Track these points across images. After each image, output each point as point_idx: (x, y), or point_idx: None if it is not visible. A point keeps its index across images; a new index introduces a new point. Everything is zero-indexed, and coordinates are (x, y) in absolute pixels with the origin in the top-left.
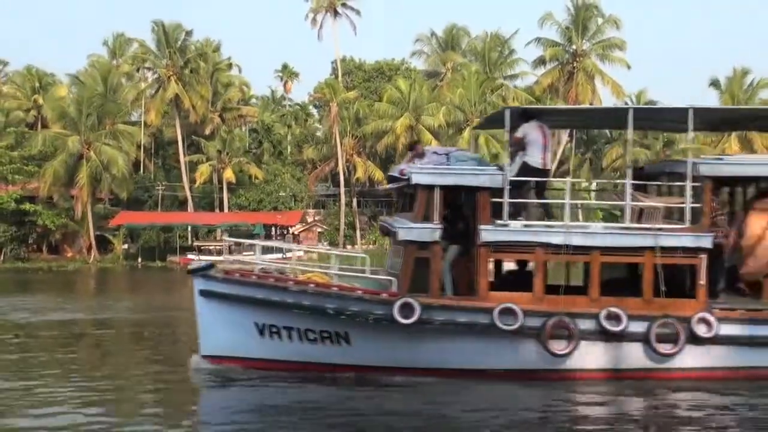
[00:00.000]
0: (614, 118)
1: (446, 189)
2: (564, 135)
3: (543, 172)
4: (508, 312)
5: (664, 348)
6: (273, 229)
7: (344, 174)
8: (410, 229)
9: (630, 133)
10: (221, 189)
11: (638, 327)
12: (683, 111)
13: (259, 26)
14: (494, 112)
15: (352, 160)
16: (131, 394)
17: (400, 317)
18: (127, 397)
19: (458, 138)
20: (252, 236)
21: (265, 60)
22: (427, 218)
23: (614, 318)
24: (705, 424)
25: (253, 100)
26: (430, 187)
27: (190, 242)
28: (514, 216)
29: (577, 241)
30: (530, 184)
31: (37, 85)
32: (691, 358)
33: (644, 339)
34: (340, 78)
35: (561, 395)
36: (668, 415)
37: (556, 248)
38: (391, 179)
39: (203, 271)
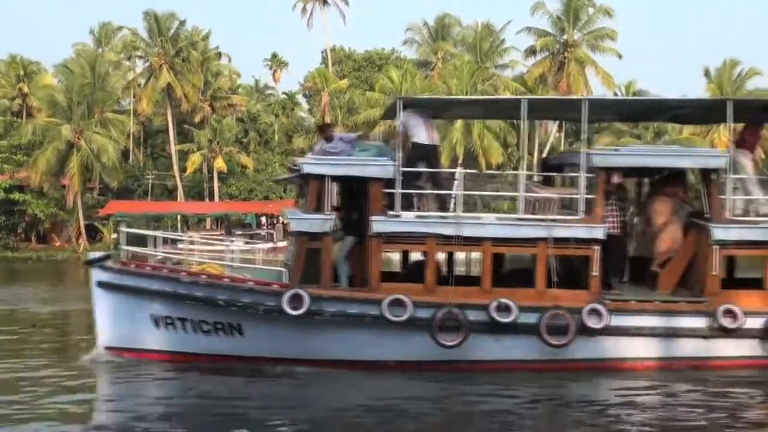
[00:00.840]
0: (509, 108)
1: (338, 179)
2: (553, 126)
3: (431, 147)
4: (397, 303)
5: (555, 339)
6: (264, 218)
7: None
8: (301, 220)
9: (524, 123)
10: (211, 178)
11: (529, 318)
12: (577, 102)
13: (247, 15)
14: (389, 104)
15: None
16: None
17: (289, 308)
18: (21, 386)
19: (451, 128)
20: (243, 225)
21: (253, 49)
22: (318, 209)
23: (504, 309)
24: (597, 415)
25: (240, 90)
26: (321, 178)
27: (180, 231)
28: (409, 206)
29: (468, 232)
30: (423, 164)
31: (21, 73)
32: (582, 349)
33: (535, 330)
34: (330, 67)
35: (448, 387)
36: (558, 408)
37: (448, 239)
38: (290, 169)
39: (100, 263)
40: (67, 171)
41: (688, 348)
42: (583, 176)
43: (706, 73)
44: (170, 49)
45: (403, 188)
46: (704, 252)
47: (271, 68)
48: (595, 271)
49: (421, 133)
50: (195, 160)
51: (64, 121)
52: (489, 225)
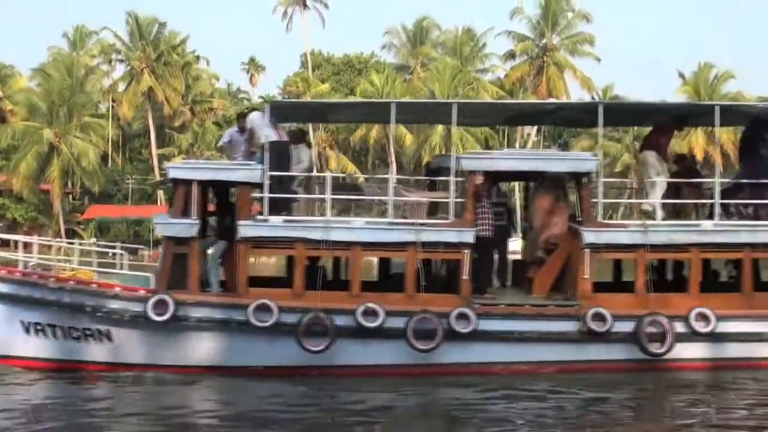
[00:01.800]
0: (383, 111)
1: (205, 184)
2: (531, 129)
3: (282, 143)
4: (263, 308)
5: (422, 344)
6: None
7: (317, 167)
8: (167, 225)
9: (392, 127)
10: None
11: (396, 323)
12: (446, 106)
13: (223, 19)
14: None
15: (325, 153)
16: None
17: (154, 314)
18: None
19: (432, 132)
20: None
21: (229, 53)
22: (185, 213)
23: (371, 314)
24: (460, 421)
25: (215, 94)
26: (188, 182)
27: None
28: (279, 210)
29: (337, 236)
30: (283, 162)
31: None
32: (451, 354)
33: (402, 335)
34: (310, 71)
35: (312, 393)
36: (430, 411)
37: (316, 243)
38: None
39: None
40: (47, 175)
41: (557, 352)
42: (452, 180)
43: (681, 77)
44: (151, 52)
45: (276, 192)
46: (576, 256)
47: (248, 72)
48: (465, 274)
49: (269, 133)
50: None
51: (44, 125)
52: (358, 229)
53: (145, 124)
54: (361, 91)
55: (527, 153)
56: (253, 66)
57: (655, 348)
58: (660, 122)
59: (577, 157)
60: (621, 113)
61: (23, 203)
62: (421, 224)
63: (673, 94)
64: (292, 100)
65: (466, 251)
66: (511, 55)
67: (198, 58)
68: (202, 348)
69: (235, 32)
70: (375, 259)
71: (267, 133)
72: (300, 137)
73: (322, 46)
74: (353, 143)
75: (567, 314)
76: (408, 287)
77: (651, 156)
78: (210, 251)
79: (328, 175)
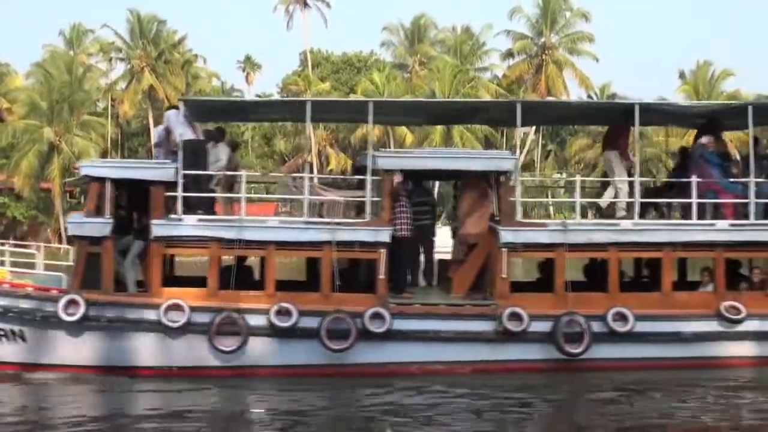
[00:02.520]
0: (297, 110)
1: (119, 182)
2: (529, 129)
3: (196, 141)
4: (175, 308)
5: (335, 344)
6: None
7: (317, 166)
8: (79, 224)
9: (309, 126)
10: None
11: (310, 323)
12: (362, 104)
13: (220, 18)
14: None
15: (325, 151)
16: None
17: (65, 314)
18: None
19: (432, 130)
20: None
21: (224, 52)
22: (98, 212)
23: (285, 313)
24: (373, 422)
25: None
26: (101, 180)
27: None
28: (196, 209)
29: (251, 235)
30: (198, 160)
31: None
32: (365, 353)
33: (316, 335)
34: (310, 70)
35: (223, 394)
36: (342, 412)
37: (230, 243)
38: None
39: None
40: (48, 174)
41: (474, 352)
42: (369, 179)
43: (681, 76)
44: (152, 51)
45: (192, 191)
46: (495, 255)
47: (244, 70)
48: (382, 274)
49: (185, 131)
50: None
51: (44, 123)
52: (272, 228)
53: (143, 123)
54: (362, 90)
55: (444, 152)
56: (249, 64)
57: (572, 348)
58: (616, 122)
59: (495, 156)
60: (535, 111)
61: (23, 201)
62: (337, 223)
63: (673, 92)
64: (203, 98)
65: (382, 251)
66: (509, 53)
67: (195, 56)
68: (115, 348)
69: (231, 31)
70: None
71: (181, 131)
72: (218, 136)
73: (320, 44)
74: (353, 142)
75: (483, 314)
76: (323, 287)
77: (613, 156)
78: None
79: (243, 173)
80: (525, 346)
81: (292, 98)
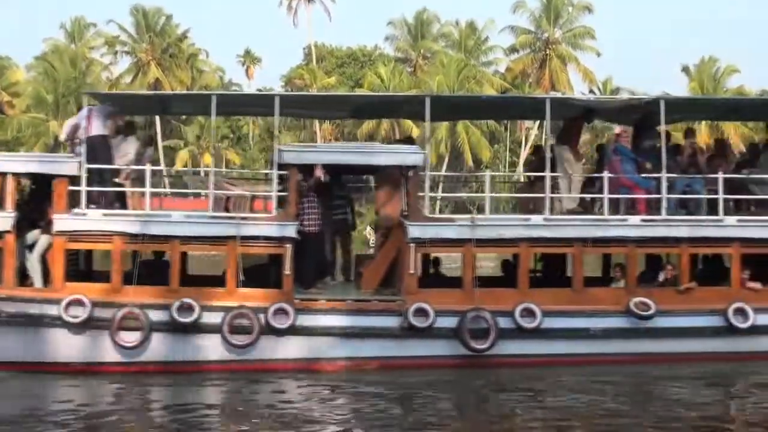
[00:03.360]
0: (200, 103)
1: (22, 176)
2: (532, 123)
3: (99, 136)
4: (77, 304)
5: (238, 339)
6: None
7: None
8: None
9: (213, 121)
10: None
11: (213, 318)
12: (268, 98)
13: (220, 11)
14: None
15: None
16: None
17: None
18: None
19: (437, 126)
20: None
21: (226, 46)
22: (0, 206)
23: (187, 309)
24: (274, 418)
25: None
26: (2, 174)
27: None
28: (102, 203)
29: (155, 230)
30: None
31: None
32: (269, 349)
33: (218, 330)
34: (314, 64)
35: (123, 389)
36: (245, 408)
37: (135, 237)
38: None
39: None
40: None
41: (380, 348)
42: (275, 173)
43: (684, 70)
44: (158, 44)
45: (96, 185)
46: (403, 250)
47: (243, 64)
48: (288, 269)
49: (91, 126)
50: (183, 156)
51: (50, 117)
52: (177, 223)
53: (146, 116)
54: (368, 84)
55: (350, 146)
56: (249, 58)
57: (477, 344)
58: (569, 117)
59: (402, 151)
60: (447, 105)
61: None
62: (242, 218)
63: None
64: (113, 92)
65: (288, 246)
66: (513, 48)
67: (198, 50)
68: (17, 344)
69: (231, 25)
70: None
71: (84, 125)
72: (126, 130)
73: (323, 39)
74: (359, 137)
75: (389, 309)
76: (228, 282)
77: (564, 151)
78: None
79: (147, 168)
80: (431, 342)
81: (198, 92)
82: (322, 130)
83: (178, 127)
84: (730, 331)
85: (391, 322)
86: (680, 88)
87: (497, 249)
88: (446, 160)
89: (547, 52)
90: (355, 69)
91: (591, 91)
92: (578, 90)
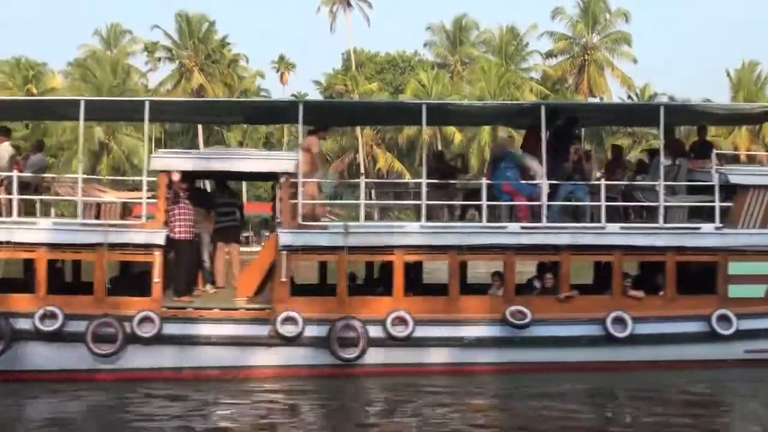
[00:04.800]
0: (73, 108)
1: None
2: None
3: None
4: None
5: (101, 348)
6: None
7: (365, 166)
8: None
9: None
10: None
11: (78, 327)
12: (140, 103)
13: (254, 17)
14: None
15: (372, 151)
16: None
17: None
18: None
19: (479, 131)
20: None
21: (260, 52)
22: None
23: (50, 317)
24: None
25: None
26: None
27: None
28: None
29: (21, 237)
30: None
31: (29, 74)
32: (135, 358)
33: (82, 339)
34: (353, 69)
35: None
36: (104, 419)
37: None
38: None
39: None
40: (98, 173)
41: (249, 356)
42: (145, 180)
43: (728, 75)
44: (202, 50)
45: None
46: (276, 258)
47: (278, 71)
48: (157, 277)
49: None
50: None
51: (93, 123)
52: (43, 230)
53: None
54: (411, 90)
55: (221, 152)
56: (283, 64)
57: (346, 353)
58: (531, 125)
59: (272, 157)
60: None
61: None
62: (111, 225)
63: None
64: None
65: (157, 253)
66: (551, 54)
67: (236, 56)
68: None
69: (267, 31)
70: None
71: None
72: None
73: (361, 44)
74: (400, 142)
75: (258, 318)
76: (96, 289)
77: (527, 159)
78: None
79: (14, 174)
80: (301, 351)
81: (69, 97)
82: (363, 135)
83: (219, 133)
84: (608, 340)
85: (260, 330)
86: (723, 93)
87: (371, 256)
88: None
89: (585, 57)
90: (395, 75)
91: (629, 97)
92: (616, 95)
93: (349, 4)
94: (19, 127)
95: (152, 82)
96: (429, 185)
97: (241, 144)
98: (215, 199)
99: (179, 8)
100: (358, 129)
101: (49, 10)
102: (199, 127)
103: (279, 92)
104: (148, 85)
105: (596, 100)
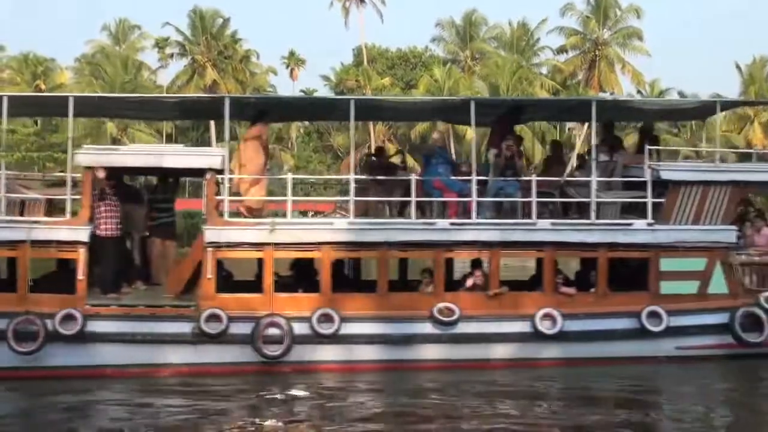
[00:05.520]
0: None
1: None
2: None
3: None
4: None
5: (23, 346)
6: (308, 215)
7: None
8: None
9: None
10: None
11: None
12: (63, 98)
13: (264, 13)
14: None
15: (385, 146)
16: None
17: None
18: None
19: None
20: None
21: (270, 48)
22: None
23: None
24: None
25: None
26: None
27: None
28: None
29: None
30: None
31: (38, 70)
32: (58, 356)
33: (3, 337)
34: (365, 64)
35: None
36: (27, 417)
37: None
38: None
39: None
40: None
41: (174, 354)
42: (69, 176)
43: (738, 69)
44: (215, 46)
45: None
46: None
47: (288, 66)
48: (81, 274)
49: None
50: None
51: (105, 118)
52: None
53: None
54: (424, 86)
55: (144, 149)
56: (293, 60)
57: (270, 350)
58: (497, 120)
59: (197, 153)
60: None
61: None
62: (34, 222)
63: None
64: None
65: (81, 250)
66: (562, 49)
67: (247, 51)
68: None
69: (277, 26)
70: None
71: None
72: None
73: (371, 40)
74: (413, 138)
75: (183, 315)
76: (19, 287)
77: (491, 156)
78: None
79: None
80: (226, 349)
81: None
82: (375, 131)
83: (233, 129)
84: (537, 337)
85: (185, 328)
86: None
87: (298, 253)
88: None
89: (596, 53)
90: (406, 70)
91: (639, 93)
92: (627, 91)
93: (362, 0)
94: (28, 123)
95: (164, 78)
96: (365, 181)
97: None
98: (156, 195)
99: (190, 3)
100: (370, 124)
101: (56, 5)
102: (211, 122)
103: (288, 88)
104: (157, 81)
105: (607, 95)
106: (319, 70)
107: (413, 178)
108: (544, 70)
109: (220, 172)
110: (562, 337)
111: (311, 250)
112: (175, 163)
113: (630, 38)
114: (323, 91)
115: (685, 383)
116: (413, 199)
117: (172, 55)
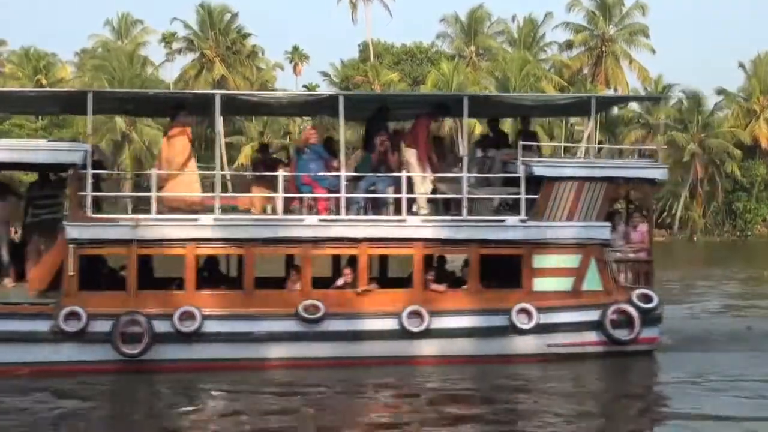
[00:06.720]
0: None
1: None
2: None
3: None
4: None
5: None
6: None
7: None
8: None
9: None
10: None
11: None
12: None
13: (270, 9)
14: None
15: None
16: None
17: None
18: None
19: (503, 121)
20: None
21: (274, 43)
22: None
23: None
24: None
25: None
26: None
27: None
28: None
29: None
30: None
31: (39, 65)
32: None
33: None
34: (372, 60)
35: None
36: None
37: None
38: None
39: None
40: (119, 163)
41: (32, 353)
42: None
43: (742, 67)
44: (223, 41)
45: None
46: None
47: (291, 61)
48: None
49: None
50: (248, 152)
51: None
52: None
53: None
54: (432, 81)
55: (7, 144)
56: (297, 55)
57: (129, 348)
58: (419, 115)
59: (58, 148)
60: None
61: None
62: None
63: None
64: None
65: None
66: (569, 45)
67: (254, 47)
68: None
69: (281, 22)
70: None
71: None
72: None
73: (379, 36)
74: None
75: (42, 313)
76: None
77: (411, 155)
78: None
79: None
80: (85, 347)
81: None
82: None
83: (238, 123)
84: (404, 334)
85: (43, 326)
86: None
87: (163, 250)
88: None
89: (603, 49)
90: (412, 66)
91: (645, 89)
92: (632, 87)
93: None
94: (32, 118)
95: (170, 73)
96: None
97: (261, 134)
98: (33, 193)
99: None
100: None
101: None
102: (219, 118)
103: (292, 83)
104: (159, 76)
105: (611, 92)
106: (325, 67)
107: (280, 173)
108: (549, 66)
109: (83, 167)
110: (428, 334)
111: (176, 247)
112: (38, 158)
113: (636, 34)
114: (324, 87)
115: (553, 381)
116: (280, 195)
117: (180, 50)
